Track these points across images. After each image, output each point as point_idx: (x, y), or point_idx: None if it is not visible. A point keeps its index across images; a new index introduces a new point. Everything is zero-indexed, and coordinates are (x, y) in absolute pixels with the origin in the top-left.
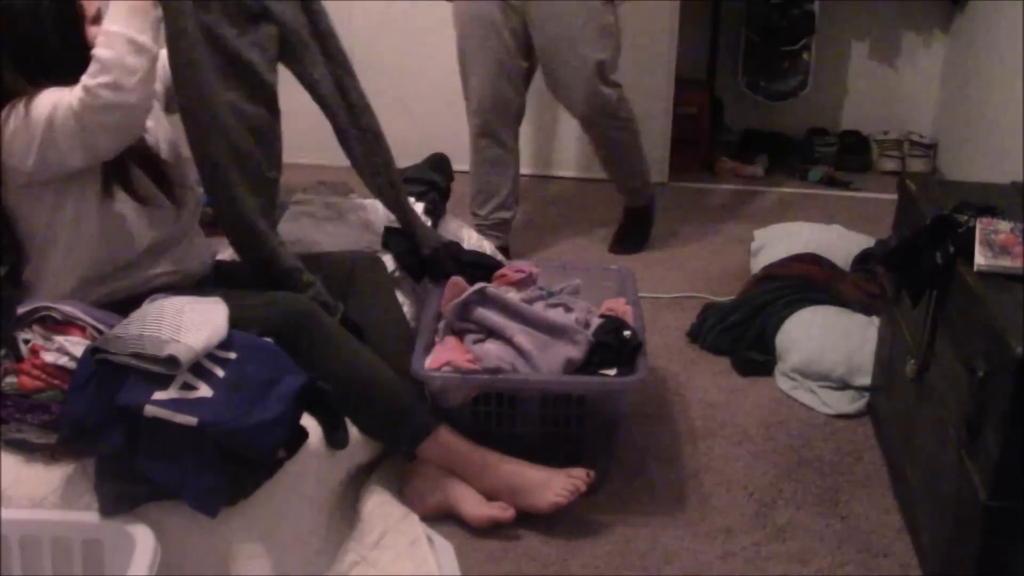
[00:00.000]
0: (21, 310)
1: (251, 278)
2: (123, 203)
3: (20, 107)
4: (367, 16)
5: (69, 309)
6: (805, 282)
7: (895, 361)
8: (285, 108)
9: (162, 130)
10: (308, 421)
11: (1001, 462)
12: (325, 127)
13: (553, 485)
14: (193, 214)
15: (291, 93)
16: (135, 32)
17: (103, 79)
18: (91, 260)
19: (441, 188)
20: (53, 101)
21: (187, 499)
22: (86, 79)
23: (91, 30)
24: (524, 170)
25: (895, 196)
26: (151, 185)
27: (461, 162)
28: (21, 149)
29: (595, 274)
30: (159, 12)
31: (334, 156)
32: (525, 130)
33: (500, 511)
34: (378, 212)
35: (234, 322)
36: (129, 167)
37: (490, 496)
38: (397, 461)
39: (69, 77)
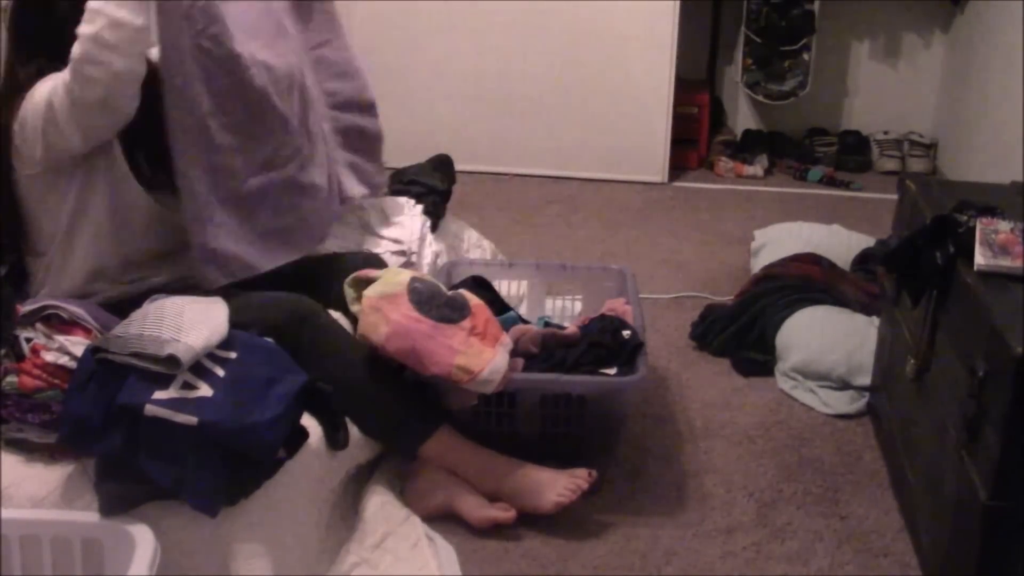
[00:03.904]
0: (28, 307)
1: (254, 279)
2: (134, 195)
3: (28, 96)
4: (367, 16)
5: (75, 309)
6: (805, 282)
7: (895, 361)
8: None
9: None
10: (308, 421)
11: (1001, 462)
12: None
13: (556, 485)
14: None
15: None
16: (112, 8)
17: (82, 53)
18: (98, 253)
19: (441, 191)
20: (51, 84)
21: (187, 499)
22: (72, 55)
23: None
24: (525, 170)
25: (895, 196)
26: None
27: (463, 163)
28: (31, 135)
29: (595, 274)
30: None
31: None
32: (527, 130)
33: (501, 512)
34: (379, 213)
35: (235, 321)
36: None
37: (492, 497)
38: (398, 461)
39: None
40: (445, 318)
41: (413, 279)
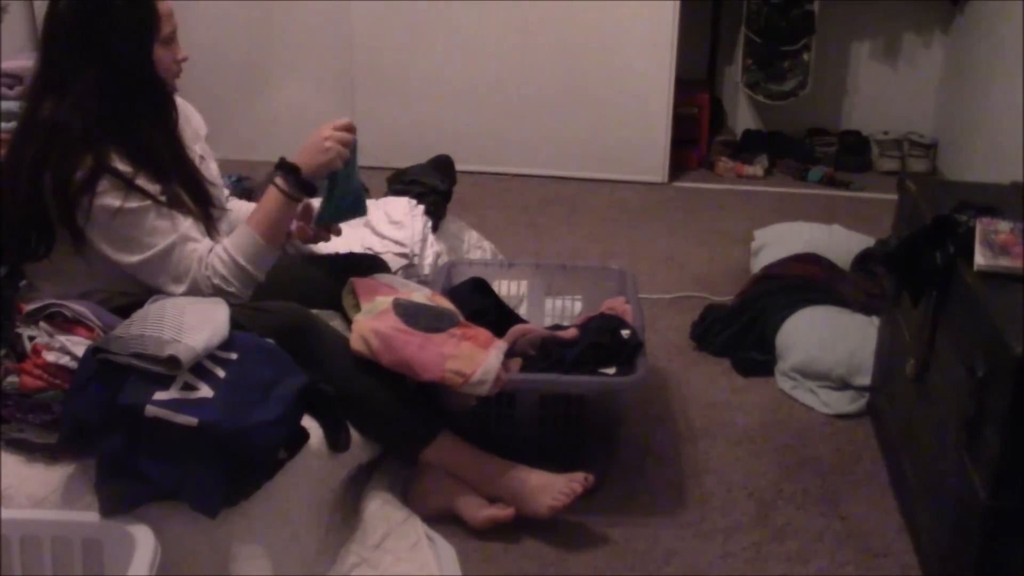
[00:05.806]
0: (31, 307)
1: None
2: None
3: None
4: (367, 16)
5: (79, 308)
6: (805, 282)
7: (895, 361)
8: (279, 109)
9: (212, 166)
10: (308, 422)
11: (1001, 462)
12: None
13: (550, 490)
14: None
15: (284, 93)
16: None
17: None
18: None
19: (442, 191)
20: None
21: (187, 499)
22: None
23: (159, 51)
24: (524, 170)
25: (895, 196)
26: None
27: (463, 163)
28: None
29: (595, 274)
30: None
31: None
32: (527, 130)
33: (499, 511)
34: (378, 213)
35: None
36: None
37: (491, 499)
38: (398, 462)
39: (130, 96)
40: (433, 328)
41: (397, 298)
